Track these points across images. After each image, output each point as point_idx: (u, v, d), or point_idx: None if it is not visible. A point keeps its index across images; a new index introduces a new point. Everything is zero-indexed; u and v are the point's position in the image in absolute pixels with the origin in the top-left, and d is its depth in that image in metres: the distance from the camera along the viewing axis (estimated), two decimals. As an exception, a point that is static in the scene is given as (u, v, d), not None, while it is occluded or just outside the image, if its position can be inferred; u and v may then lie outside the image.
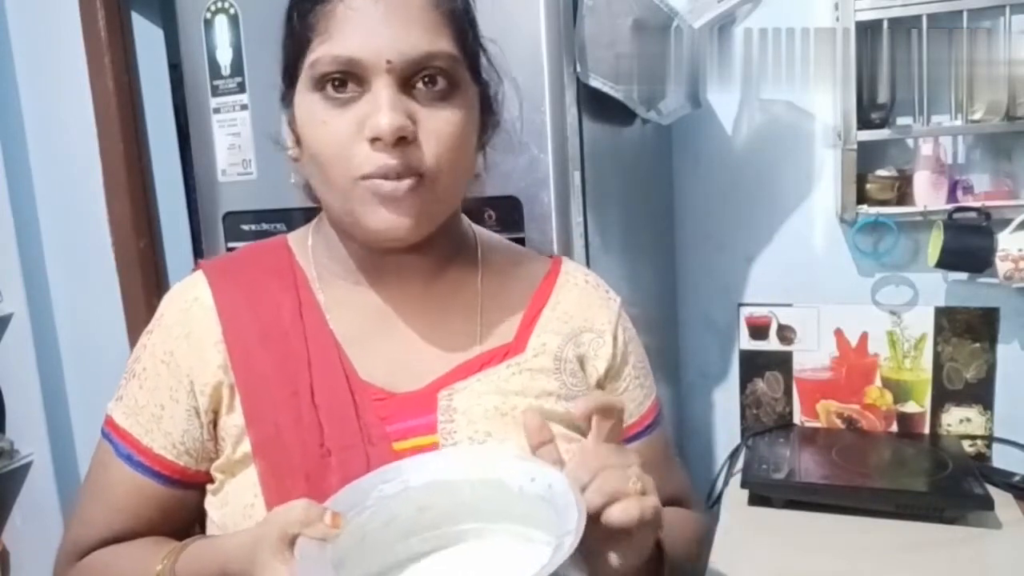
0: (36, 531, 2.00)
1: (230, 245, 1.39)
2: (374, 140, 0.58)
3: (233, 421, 0.65)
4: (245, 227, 1.38)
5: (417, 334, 0.69)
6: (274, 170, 1.35)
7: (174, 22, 1.41)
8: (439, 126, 0.60)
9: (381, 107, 0.58)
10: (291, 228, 1.38)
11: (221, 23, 1.33)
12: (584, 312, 0.74)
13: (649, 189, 1.54)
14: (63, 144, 1.93)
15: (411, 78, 0.59)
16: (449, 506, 0.56)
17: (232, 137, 1.35)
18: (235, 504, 0.64)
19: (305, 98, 0.62)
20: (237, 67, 1.33)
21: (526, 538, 0.55)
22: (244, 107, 1.33)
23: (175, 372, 0.67)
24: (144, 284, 1.92)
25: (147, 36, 1.93)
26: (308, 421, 0.63)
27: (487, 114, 0.69)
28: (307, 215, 1.36)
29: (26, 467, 1.97)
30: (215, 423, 0.66)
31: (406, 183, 0.59)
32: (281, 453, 0.63)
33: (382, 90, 0.58)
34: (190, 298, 0.69)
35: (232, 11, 1.31)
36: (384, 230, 0.61)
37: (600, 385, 0.73)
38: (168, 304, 0.70)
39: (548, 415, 0.65)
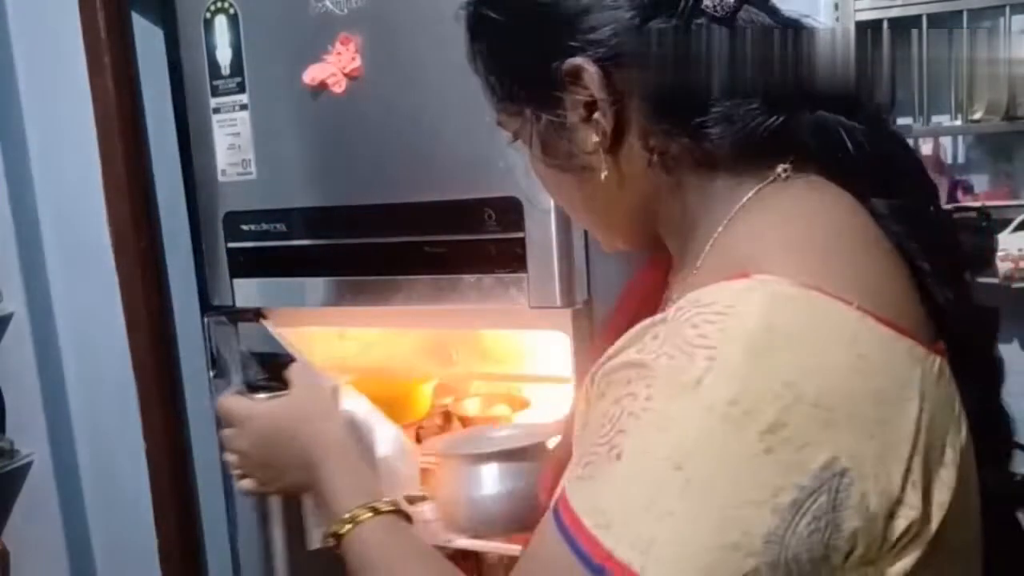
0: (36, 531, 2.00)
1: (230, 245, 1.39)
2: None
3: None
4: (245, 227, 1.38)
5: None
6: (274, 170, 1.35)
7: (174, 22, 1.41)
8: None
9: None
10: (291, 228, 1.38)
11: (221, 23, 1.32)
12: None
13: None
14: (63, 144, 1.93)
15: None
16: None
17: (232, 137, 1.35)
18: None
19: None
20: (237, 67, 1.33)
21: None
22: (244, 107, 1.33)
23: None
24: (144, 284, 1.92)
25: (147, 36, 1.93)
26: None
27: (549, 129, 0.58)
28: (306, 215, 1.36)
29: (26, 467, 1.97)
30: None
31: None
32: None
33: None
34: None
35: (232, 11, 1.31)
36: None
37: None
38: None
39: None
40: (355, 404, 1.22)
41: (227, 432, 0.86)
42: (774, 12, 0.53)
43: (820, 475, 0.39)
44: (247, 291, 1.40)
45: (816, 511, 0.39)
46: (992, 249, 1.41)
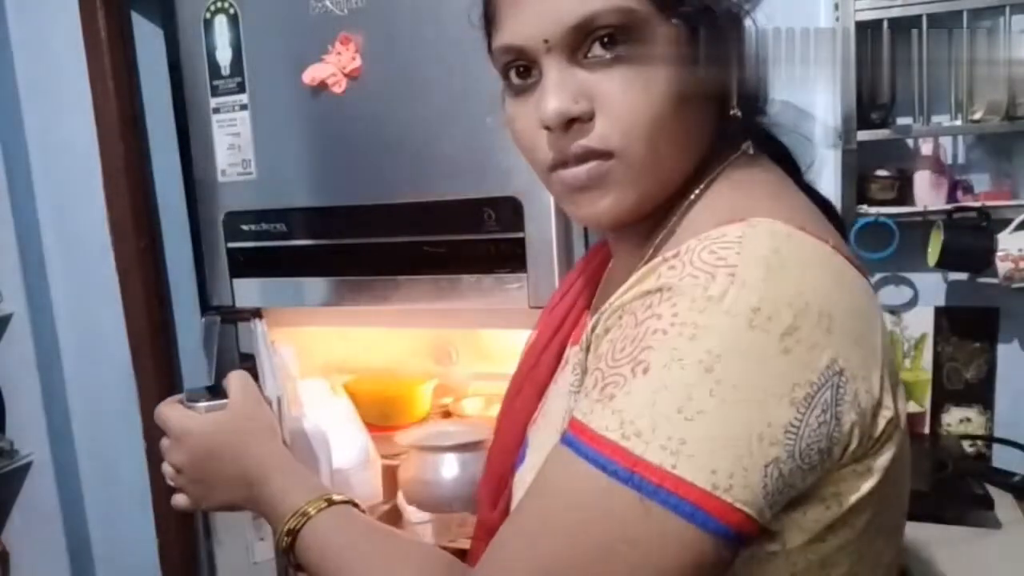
0: (36, 531, 2.00)
1: (230, 245, 1.40)
2: (547, 128, 0.55)
3: None
4: (245, 227, 1.38)
5: None
6: (274, 170, 1.35)
7: (174, 22, 1.41)
8: (618, 93, 0.53)
9: (545, 92, 0.54)
10: (291, 228, 1.39)
11: (221, 23, 1.33)
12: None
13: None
14: (63, 144, 1.93)
15: (581, 47, 0.54)
16: None
17: (232, 137, 1.35)
18: None
19: (503, 92, 0.61)
20: (237, 67, 1.33)
21: None
22: (244, 107, 1.33)
23: None
24: (144, 284, 1.92)
25: (147, 36, 1.93)
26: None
27: (707, 49, 0.55)
28: (307, 214, 1.36)
29: (26, 467, 1.97)
30: None
31: (587, 167, 0.55)
32: None
33: (548, 72, 0.55)
34: None
35: (232, 11, 1.31)
36: (583, 219, 0.58)
37: None
38: None
39: None
40: (320, 411, 1.24)
41: (165, 443, 0.82)
42: None
43: (825, 373, 0.45)
44: (247, 291, 1.40)
45: (823, 405, 0.45)
46: (992, 249, 1.41)
